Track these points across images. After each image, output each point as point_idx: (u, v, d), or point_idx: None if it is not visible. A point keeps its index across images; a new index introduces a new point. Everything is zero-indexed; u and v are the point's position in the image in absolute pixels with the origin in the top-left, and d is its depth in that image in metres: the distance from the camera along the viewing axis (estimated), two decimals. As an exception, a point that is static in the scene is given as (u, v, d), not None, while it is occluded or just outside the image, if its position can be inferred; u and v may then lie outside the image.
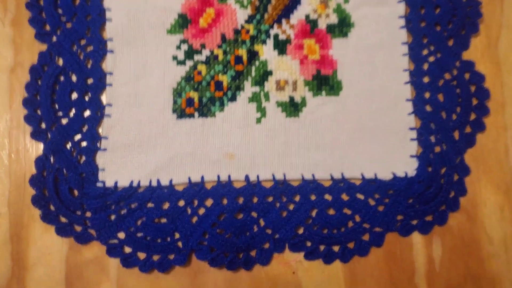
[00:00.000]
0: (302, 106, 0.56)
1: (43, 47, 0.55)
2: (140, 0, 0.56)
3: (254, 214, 0.53)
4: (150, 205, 0.53)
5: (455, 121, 0.55)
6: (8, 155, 0.55)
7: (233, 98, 0.56)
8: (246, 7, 0.57)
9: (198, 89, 0.55)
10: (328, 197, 0.54)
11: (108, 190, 0.53)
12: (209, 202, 0.53)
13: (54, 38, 0.55)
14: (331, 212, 0.54)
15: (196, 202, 0.53)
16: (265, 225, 0.53)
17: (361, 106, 0.56)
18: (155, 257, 0.52)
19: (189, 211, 0.53)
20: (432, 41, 0.57)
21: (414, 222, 0.54)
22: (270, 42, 0.56)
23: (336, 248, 0.53)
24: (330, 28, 0.57)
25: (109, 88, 0.55)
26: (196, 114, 0.55)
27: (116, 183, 0.53)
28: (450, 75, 0.56)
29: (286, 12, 0.57)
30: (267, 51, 0.56)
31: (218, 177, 0.54)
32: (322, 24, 0.57)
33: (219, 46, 0.56)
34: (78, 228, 0.53)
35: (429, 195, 0.54)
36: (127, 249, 0.52)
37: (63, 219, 0.53)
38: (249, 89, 0.56)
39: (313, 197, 0.54)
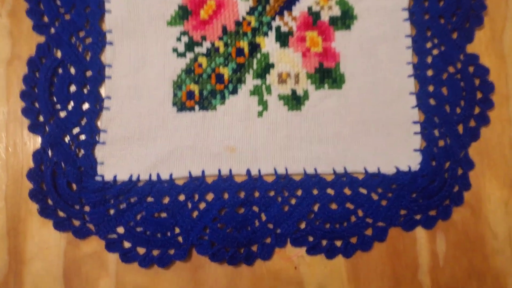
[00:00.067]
0: (305, 99, 0.55)
1: (41, 39, 0.55)
2: (140, -8, 0.55)
3: (255, 209, 0.53)
4: (150, 199, 0.52)
5: (459, 115, 0.55)
6: (5, 149, 0.54)
7: (234, 91, 0.55)
8: (247, -1, 0.56)
9: (199, 81, 0.55)
10: (330, 191, 0.53)
11: (107, 184, 0.52)
12: (210, 197, 0.53)
13: (52, 30, 0.54)
14: (334, 206, 0.53)
15: (196, 197, 0.53)
16: (267, 219, 0.52)
17: (364, 100, 0.55)
18: (155, 252, 0.52)
19: (189, 205, 0.52)
20: (436, 33, 0.56)
21: (418, 217, 0.53)
22: (272, 34, 0.56)
23: (338, 243, 0.53)
24: (333, 21, 0.56)
25: (108, 81, 0.54)
26: (197, 107, 0.54)
27: (115, 177, 0.52)
28: (454, 68, 0.56)
29: (288, 4, 0.56)
30: (269, 44, 0.56)
31: (219, 171, 0.53)
32: (325, 16, 0.56)
33: (220, 38, 0.55)
34: (77, 223, 0.52)
35: (432, 190, 0.53)
36: (127, 244, 0.52)
37: (61, 214, 0.52)
38: (250, 82, 0.55)
39: (315, 192, 0.53)
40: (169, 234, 0.52)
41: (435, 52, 0.56)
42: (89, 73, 0.54)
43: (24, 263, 0.52)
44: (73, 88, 0.54)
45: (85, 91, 0.54)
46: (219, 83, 0.55)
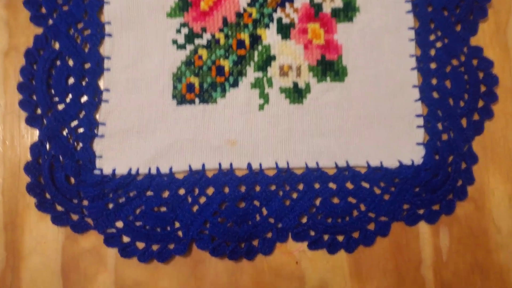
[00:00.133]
0: (306, 92, 0.54)
1: (39, 30, 0.54)
2: (139, -17, 0.55)
3: (256, 203, 0.52)
4: (149, 193, 0.52)
5: (463, 108, 0.54)
6: (2, 142, 0.53)
7: (235, 84, 0.54)
8: (248, -10, 0.55)
9: (199, 74, 0.54)
10: (332, 185, 0.53)
11: (106, 177, 0.51)
12: (210, 191, 0.52)
13: (50, 21, 0.54)
14: (336, 200, 0.53)
15: (196, 191, 0.52)
16: (268, 214, 0.52)
17: (366, 92, 0.54)
18: (155, 247, 0.51)
19: (189, 199, 0.52)
20: (439, 26, 0.55)
21: (421, 211, 0.53)
22: (273, 26, 0.55)
23: (340, 238, 0.52)
24: (335, 12, 0.55)
25: (107, 73, 0.54)
26: (197, 100, 0.54)
27: (114, 170, 0.52)
28: (457, 61, 0.55)
29: (290, -5, 0.55)
30: (270, 35, 0.55)
31: (220, 164, 0.52)
32: (327, 8, 0.55)
33: (221, 30, 0.55)
34: (75, 217, 0.51)
35: (436, 184, 0.52)
36: (126, 239, 0.51)
37: (59, 208, 0.51)
38: (251, 74, 0.54)
39: (317, 186, 0.52)
40: (168, 228, 0.51)
41: (438, 44, 0.55)
42: (87, 65, 0.54)
43: (22, 258, 0.51)
44: (71, 80, 0.53)
45: (84, 83, 0.53)
46: (220, 76, 0.54)
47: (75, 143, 0.52)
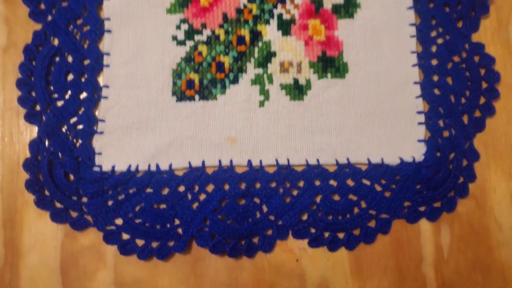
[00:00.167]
0: (307, 89, 0.54)
1: (38, 26, 0.54)
2: (138, -22, 0.54)
3: (256, 200, 0.52)
4: (149, 190, 0.51)
5: (464, 105, 0.54)
6: (1, 138, 0.53)
7: (235, 80, 0.54)
8: (248, -14, 0.55)
9: (199, 70, 0.54)
10: (333, 182, 0.52)
11: (105, 174, 0.51)
12: (210, 188, 0.52)
13: (49, 17, 0.53)
14: (336, 198, 0.52)
15: (196, 188, 0.52)
16: (268, 211, 0.51)
17: (367, 89, 0.54)
18: (154, 244, 0.51)
19: (189, 196, 0.51)
20: (441, 22, 0.55)
21: (422, 208, 0.52)
22: (273, 22, 0.54)
23: (341, 235, 0.52)
24: (336, 9, 0.55)
25: (106, 69, 0.53)
26: (197, 96, 0.53)
27: (113, 167, 0.51)
28: (459, 58, 0.55)
29: (290, -9, 0.55)
30: (270, 32, 0.54)
31: (220, 161, 0.52)
32: (328, 4, 0.55)
33: (221, 26, 0.54)
34: (74, 214, 0.51)
35: (437, 181, 0.52)
36: (125, 236, 0.51)
37: (58, 205, 0.51)
38: (252, 71, 0.54)
39: (317, 183, 0.52)
40: (168, 225, 0.51)
41: (439, 41, 0.55)
42: (86, 62, 0.53)
43: (21, 255, 0.51)
44: (70, 76, 0.53)
45: (83, 79, 0.53)
46: (220, 72, 0.54)
47: (74, 140, 0.52)
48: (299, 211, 0.51)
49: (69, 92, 0.52)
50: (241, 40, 0.54)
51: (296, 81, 0.54)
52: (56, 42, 0.53)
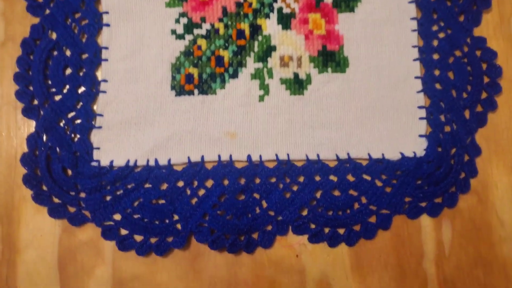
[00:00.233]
0: (307, 83, 0.53)
1: (35, 20, 0.53)
2: (137, -28, 0.54)
3: (256, 195, 0.51)
4: (147, 185, 0.51)
5: (466, 100, 0.53)
6: (-2, 133, 0.52)
7: (234, 75, 0.53)
8: (248, -20, 0.54)
9: (198, 64, 0.53)
10: (333, 177, 0.52)
11: (103, 169, 0.51)
12: (209, 183, 0.51)
13: (47, 11, 0.53)
14: (337, 193, 0.52)
15: (195, 183, 0.51)
16: (268, 206, 0.51)
17: (368, 84, 0.54)
18: (153, 240, 0.50)
19: (188, 192, 0.51)
20: (442, 16, 0.55)
21: (423, 204, 0.52)
22: (273, 16, 0.54)
23: (341, 231, 0.51)
24: (336, 2, 0.55)
25: (105, 63, 0.53)
26: (196, 91, 0.53)
27: (111, 162, 0.51)
28: (460, 52, 0.54)
29: (290, -15, 0.54)
30: (270, 26, 0.54)
31: (219, 156, 0.52)
32: (328, -2, 0.55)
33: (220, 20, 0.54)
34: (72, 209, 0.50)
35: (438, 176, 0.52)
36: (123, 231, 0.50)
37: (56, 200, 0.50)
38: (251, 65, 0.53)
39: (317, 178, 0.52)
40: (167, 221, 0.50)
41: (441, 35, 0.55)
42: (85, 56, 0.53)
43: (18, 251, 0.51)
44: (68, 71, 0.53)
45: (81, 74, 0.53)
46: (219, 66, 0.53)
47: (72, 135, 0.51)
48: (299, 207, 0.51)
49: (67, 86, 0.52)
50: (240, 34, 0.54)
51: (296, 75, 0.53)
52: (54, 36, 0.53)
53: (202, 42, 0.53)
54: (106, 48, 0.53)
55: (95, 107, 0.52)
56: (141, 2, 0.54)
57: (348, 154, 0.52)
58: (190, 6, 0.54)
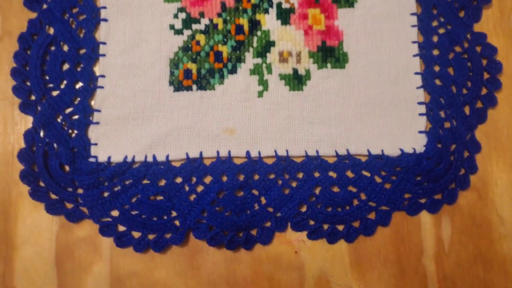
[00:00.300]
0: (306, 79, 0.53)
1: (33, 14, 0.53)
2: (135, -34, 0.53)
3: (255, 192, 0.51)
4: (145, 181, 0.51)
5: (466, 96, 0.53)
6: (-5, 129, 0.52)
7: (233, 70, 0.53)
8: (247, -25, 0.54)
9: (197, 60, 0.53)
10: (332, 174, 0.52)
11: (101, 165, 0.50)
12: (208, 179, 0.51)
13: (44, 6, 0.53)
14: (336, 189, 0.52)
15: (194, 179, 0.51)
16: (267, 203, 0.51)
17: (367, 79, 0.53)
18: (151, 236, 0.50)
19: (186, 188, 0.51)
20: (442, 12, 0.54)
21: (423, 200, 0.52)
22: (272, 11, 0.54)
23: (340, 227, 0.51)
24: (336, -2, 0.54)
25: (103, 59, 0.53)
26: (194, 86, 0.52)
27: (109, 158, 0.51)
28: (460, 48, 0.54)
29: (290, -20, 0.54)
30: (269, 21, 0.54)
31: (218, 153, 0.51)
32: (328, -7, 0.54)
33: (219, 15, 0.53)
34: (69, 206, 0.50)
35: (438, 173, 0.51)
36: (121, 228, 0.50)
37: (54, 196, 0.50)
38: (250, 60, 0.53)
39: (317, 174, 0.51)
40: (165, 217, 0.50)
41: (441, 30, 0.54)
42: (82, 51, 0.53)
43: (15, 248, 0.50)
44: (66, 66, 0.52)
45: (79, 69, 0.52)
46: (218, 62, 0.53)
47: (70, 130, 0.51)
48: (298, 203, 0.51)
49: (65, 81, 0.52)
50: (239, 29, 0.53)
51: (295, 71, 0.53)
52: (51, 31, 0.52)
53: (201, 37, 0.53)
54: (104, 43, 0.53)
55: (92, 103, 0.52)
56: (139, -3, 0.53)
57: (347, 150, 0.52)
58: (188, 1, 0.53)
